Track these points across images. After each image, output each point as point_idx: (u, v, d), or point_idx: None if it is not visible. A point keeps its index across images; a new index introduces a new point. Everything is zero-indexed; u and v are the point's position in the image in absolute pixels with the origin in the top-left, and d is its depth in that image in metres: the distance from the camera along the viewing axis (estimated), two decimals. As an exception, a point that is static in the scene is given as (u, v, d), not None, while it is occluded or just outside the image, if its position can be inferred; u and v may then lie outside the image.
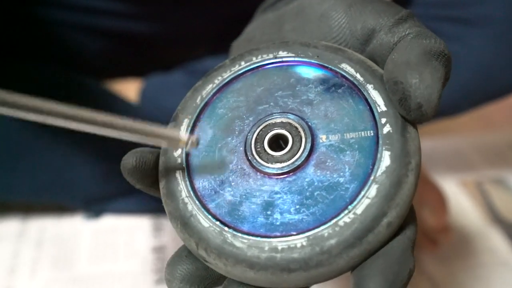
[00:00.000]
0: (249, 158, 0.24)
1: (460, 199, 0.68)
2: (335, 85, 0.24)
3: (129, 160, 0.25)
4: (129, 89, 0.66)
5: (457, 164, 0.75)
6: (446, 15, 0.54)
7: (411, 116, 0.22)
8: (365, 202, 0.21)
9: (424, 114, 0.21)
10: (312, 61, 0.26)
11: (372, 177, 0.21)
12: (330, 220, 0.21)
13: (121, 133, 0.21)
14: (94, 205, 0.62)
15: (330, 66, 0.25)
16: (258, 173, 0.23)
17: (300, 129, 0.24)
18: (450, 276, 0.57)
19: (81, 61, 0.63)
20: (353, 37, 0.26)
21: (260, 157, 0.24)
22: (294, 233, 0.21)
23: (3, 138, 0.55)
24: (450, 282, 0.56)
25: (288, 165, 0.23)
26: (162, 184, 0.25)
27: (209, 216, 0.23)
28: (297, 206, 0.22)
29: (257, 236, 0.22)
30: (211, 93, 0.26)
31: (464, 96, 0.55)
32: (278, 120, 0.24)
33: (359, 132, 0.23)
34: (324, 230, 0.21)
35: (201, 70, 0.61)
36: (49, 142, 0.57)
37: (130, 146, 0.26)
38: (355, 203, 0.21)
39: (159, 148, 0.26)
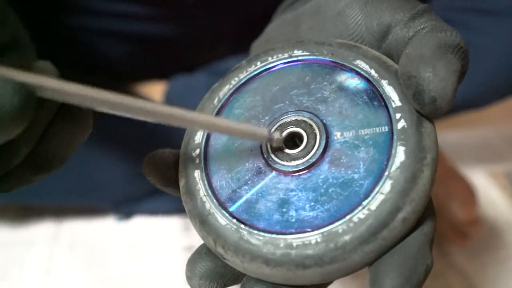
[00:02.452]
0: (265, 156, 0.24)
1: (489, 190, 0.67)
2: (350, 82, 0.25)
3: (150, 161, 0.26)
4: (154, 91, 0.67)
5: (486, 155, 0.74)
6: (471, 6, 0.54)
7: (425, 111, 0.21)
8: (379, 197, 0.21)
9: (438, 108, 0.21)
10: (327, 58, 0.26)
11: (386, 173, 0.21)
12: (344, 216, 0.21)
13: (214, 130, 0.23)
14: (123, 206, 0.63)
15: (344, 63, 0.25)
16: (274, 171, 0.24)
17: (315, 127, 0.24)
18: (481, 269, 0.56)
19: (106, 65, 0.65)
20: (369, 33, 0.26)
21: (275, 155, 0.24)
22: (309, 229, 0.21)
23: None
24: (481, 275, 0.55)
25: (303, 163, 0.23)
26: (181, 183, 0.25)
27: (226, 214, 0.23)
28: (312, 203, 0.22)
29: (272, 233, 0.22)
30: (228, 94, 0.27)
31: (490, 88, 0.54)
32: (293, 119, 0.25)
33: (374, 128, 0.23)
34: (338, 226, 0.21)
35: (224, 70, 0.61)
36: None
37: (157, 147, 0.27)
38: (369, 199, 0.21)
39: (179, 149, 0.27)
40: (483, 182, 0.68)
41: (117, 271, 0.59)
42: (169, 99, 0.66)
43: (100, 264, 0.59)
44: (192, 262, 0.24)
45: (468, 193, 0.56)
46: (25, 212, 0.65)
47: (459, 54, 0.22)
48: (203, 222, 0.24)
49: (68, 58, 0.61)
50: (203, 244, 0.25)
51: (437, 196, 0.57)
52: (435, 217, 0.23)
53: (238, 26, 0.64)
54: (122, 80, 0.67)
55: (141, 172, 0.26)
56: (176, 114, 0.21)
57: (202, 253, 0.24)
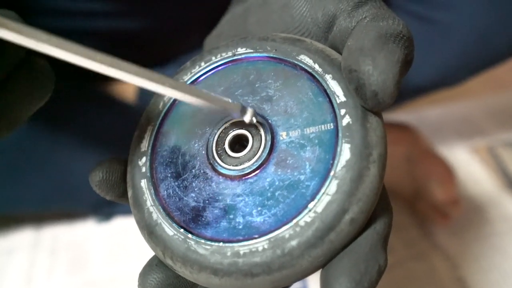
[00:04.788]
0: (211, 161, 0.23)
1: (472, 167, 0.66)
2: (294, 78, 0.24)
3: (96, 173, 0.25)
4: (127, 89, 0.66)
5: (467, 130, 0.73)
6: None
7: (368, 105, 0.20)
8: (326, 199, 0.20)
9: (381, 102, 0.20)
10: (271, 55, 0.25)
11: (332, 173, 0.20)
12: (291, 221, 0.20)
13: (185, 96, 0.21)
14: (103, 208, 0.63)
15: (288, 59, 0.24)
16: (220, 176, 0.23)
17: (260, 128, 0.23)
18: (464, 247, 0.56)
19: (76, 67, 0.63)
20: (315, 25, 0.25)
21: (221, 160, 0.23)
22: (256, 236, 0.21)
23: (5, 152, 0.55)
24: (464, 254, 0.55)
25: (249, 166, 0.22)
26: (129, 194, 0.24)
27: (174, 224, 0.22)
28: (259, 208, 0.21)
29: (220, 241, 0.21)
30: (173, 98, 0.26)
31: (461, 64, 0.53)
32: (238, 120, 0.24)
33: (319, 126, 0.22)
34: (285, 231, 0.20)
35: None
36: (51, 150, 0.57)
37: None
38: (315, 201, 0.20)
39: (126, 158, 0.26)
40: (465, 158, 0.67)
41: (101, 273, 0.58)
42: (142, 96, 0.65)
43: (83, 268, 0.59)
44: (144, 274, 0.23)
45: (447, 173, 0.55)
46: (2, 221, 0.64)
47: (402, 42, 0.21)
48: (151, 234, 0.23)
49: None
50: (154, 255, 0.24)
51: (416, 178, 0.56)
52: (390, 213, 0.22)
53: (208, 17, 0.62)
54: (94, 79, 0.66)
55: None
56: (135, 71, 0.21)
57: (153, 265, 0.24)
